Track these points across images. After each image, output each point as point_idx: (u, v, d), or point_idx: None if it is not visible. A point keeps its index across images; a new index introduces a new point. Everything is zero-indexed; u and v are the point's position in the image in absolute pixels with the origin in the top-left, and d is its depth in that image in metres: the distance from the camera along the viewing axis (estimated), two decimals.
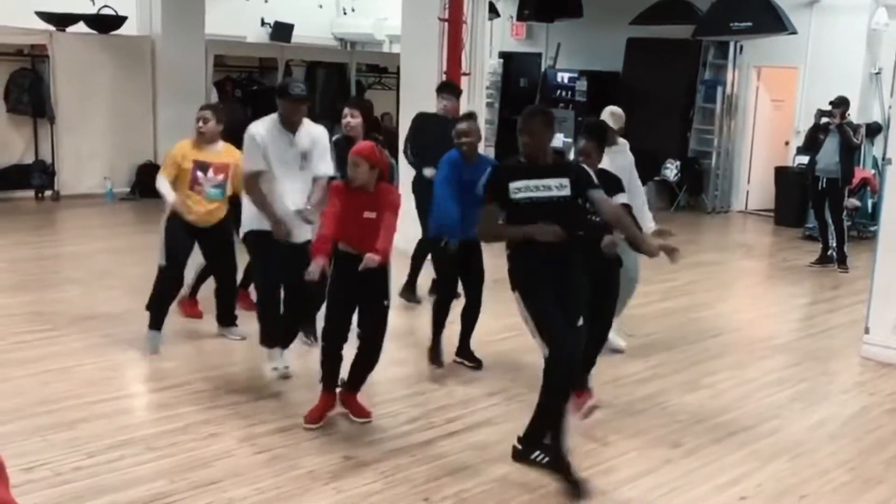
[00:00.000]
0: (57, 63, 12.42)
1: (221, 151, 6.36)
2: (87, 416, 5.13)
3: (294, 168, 5.56)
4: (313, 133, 5.66)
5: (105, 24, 13.09)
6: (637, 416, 5.53)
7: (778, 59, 13.71)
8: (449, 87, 8.11)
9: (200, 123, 6.32)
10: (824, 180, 10.29)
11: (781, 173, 13.35)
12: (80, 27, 12.96)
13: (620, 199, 5.26)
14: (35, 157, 12.54)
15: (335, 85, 15.37)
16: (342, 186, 5.03)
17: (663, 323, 7.62)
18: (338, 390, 5.22)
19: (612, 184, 5.32)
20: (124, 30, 13.35)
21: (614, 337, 6.44)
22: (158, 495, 4.23)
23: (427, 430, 5.15)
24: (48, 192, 12.57)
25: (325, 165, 5.69)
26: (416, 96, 9.74)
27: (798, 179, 12.15)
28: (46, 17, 12.67)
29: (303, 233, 5.60)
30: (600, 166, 5.40)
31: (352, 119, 6.44)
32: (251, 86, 14.70)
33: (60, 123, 12.53)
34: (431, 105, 9.12)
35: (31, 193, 12.50)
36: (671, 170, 14.12)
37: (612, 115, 6.81)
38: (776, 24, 12.64)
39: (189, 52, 13.41)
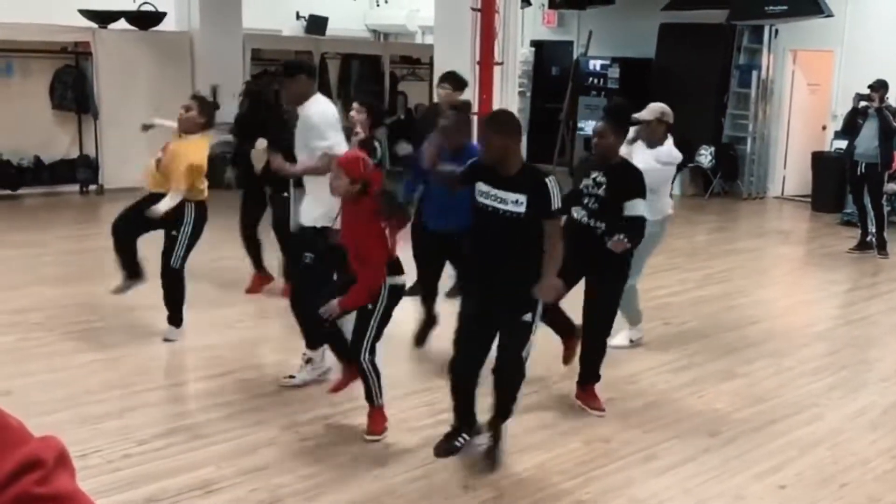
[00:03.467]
0: (100, 60, 12.59)
1: (189, 143, 6.31)
2: (136, 404, 5.26)
3: (300, 145, 5.67)
4: (308, 110, 5.61)
5: (145, 20, 13.24)
6: (674, 404, 5.56)
7: (814, 43, 13.58)
8: (448, 77, 7.41)
9: (182, 111, 6.34)
10: (863, 165, 10.22)
11: (818, 158, 13.24)
12: (122, 24, 13.11)
13: (637, 207, 5.08)
14: (80, 152, 12.74)
15: (369, 77, 15.45)
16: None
17: (699, 311, 7.62)
18: None
19: (633, 183, 5.13)
20: (163, 26, 13.48)
21: (629, 333, 6.49)
22: (206, 482, 4.33)
23: None
24: (92, 186, 12.76)
25: (319, 141, 5.56)
26: None
27: (835, 164, 12.04)
28: (89, 14, 12.84)
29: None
30: (625, 157, 5.38)
31: (357, 114, 6.47)
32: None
33: (104, 119, 12.69)
34: (466, 94, 9.17)
35: (76, 188, 12.69)
36: (705, 156, 14.04)
37: (662, 113, 6.35)
38: (812, 6, 12.53)
39: (227, 47, 13.54)
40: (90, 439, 4.73)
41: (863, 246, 10.32)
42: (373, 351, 4.78)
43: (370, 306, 4.70)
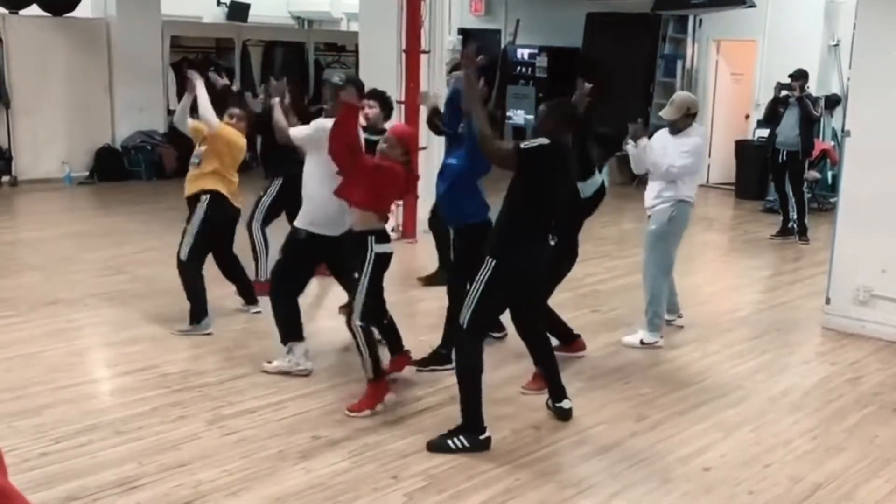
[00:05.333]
0: (11, 47, 12.20)
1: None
2: (53, 401, 5.10)
3: None
4: None
5: (59, 6, 12.85)
6: (603, 390, 5.59)
7: (737, 33, 13.80)
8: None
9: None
10: (784, 153, 10.43)
11: (742, 146, 13.45)
12: (34, 10, 12.72)
13: None
14: None
15: (293, 65, 15.25)
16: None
17: (627, 297, 7.66)
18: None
19: None
20: (78, 12, 13.11)
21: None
22: (127, 479, 4.22)
23: (395, 409, 5.16)
24: (5, 178, 12.34)
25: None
26: (376, 74, 9.68)
27: (758, 152, 12.25)
28: None
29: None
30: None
31: (369, 109, 6.33)
32: (208, 67, 14.54)
33: (16, 108, 12.31)
34: (392, 83, 9.10)
35: None
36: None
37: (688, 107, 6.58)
38: None
39: (145, 34, 13.28)
40: (6, 437, 4.57)
41: (785, 232, 10.53)
42: (364, 317, 5.04)
43: (357, 273, 5.04)
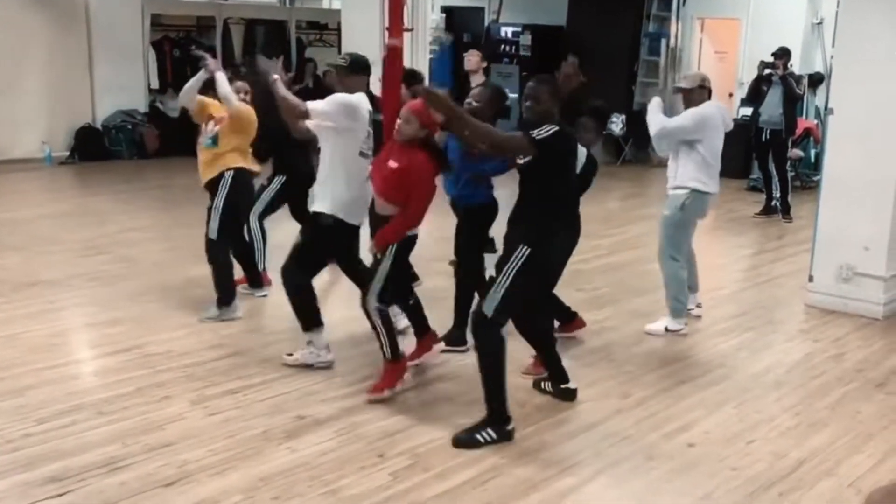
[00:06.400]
0: None
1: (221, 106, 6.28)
2: (36, 382, 5.07)
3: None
4: None
5: None
6: (587, 368, 5.59)
7: (721, 11, 13.80)
8: None
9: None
10: (768, 131, 10.45)
11: None
12: None
13: None
14: None
15: (275, 43, 15.15)
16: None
17: (612, 276, 7.69)
18: None
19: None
20: None
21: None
22: (112, 459, 4.20)
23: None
24: None
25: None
26: (358, 52, 9.63)
27: (742, 131, 12.20)
28: None
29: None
30: None
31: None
32: (189, 45, 14.44)
33: None
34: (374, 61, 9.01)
35: None
36: (617, 124, 14.14)
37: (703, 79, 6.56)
38: None
39: (125, 12, 13.18)
40: None
41: (768, 210, 10.57)
42: (382, 299, 4.97)
43: (378, 255, 4.97)
